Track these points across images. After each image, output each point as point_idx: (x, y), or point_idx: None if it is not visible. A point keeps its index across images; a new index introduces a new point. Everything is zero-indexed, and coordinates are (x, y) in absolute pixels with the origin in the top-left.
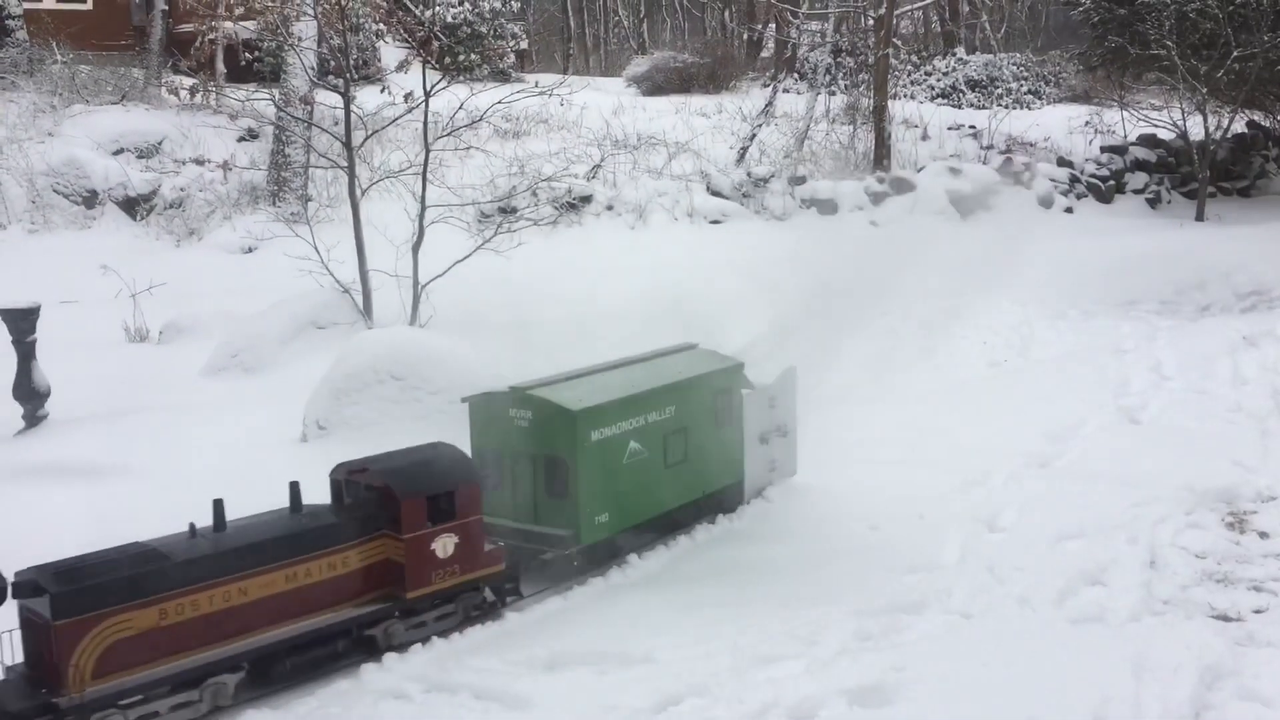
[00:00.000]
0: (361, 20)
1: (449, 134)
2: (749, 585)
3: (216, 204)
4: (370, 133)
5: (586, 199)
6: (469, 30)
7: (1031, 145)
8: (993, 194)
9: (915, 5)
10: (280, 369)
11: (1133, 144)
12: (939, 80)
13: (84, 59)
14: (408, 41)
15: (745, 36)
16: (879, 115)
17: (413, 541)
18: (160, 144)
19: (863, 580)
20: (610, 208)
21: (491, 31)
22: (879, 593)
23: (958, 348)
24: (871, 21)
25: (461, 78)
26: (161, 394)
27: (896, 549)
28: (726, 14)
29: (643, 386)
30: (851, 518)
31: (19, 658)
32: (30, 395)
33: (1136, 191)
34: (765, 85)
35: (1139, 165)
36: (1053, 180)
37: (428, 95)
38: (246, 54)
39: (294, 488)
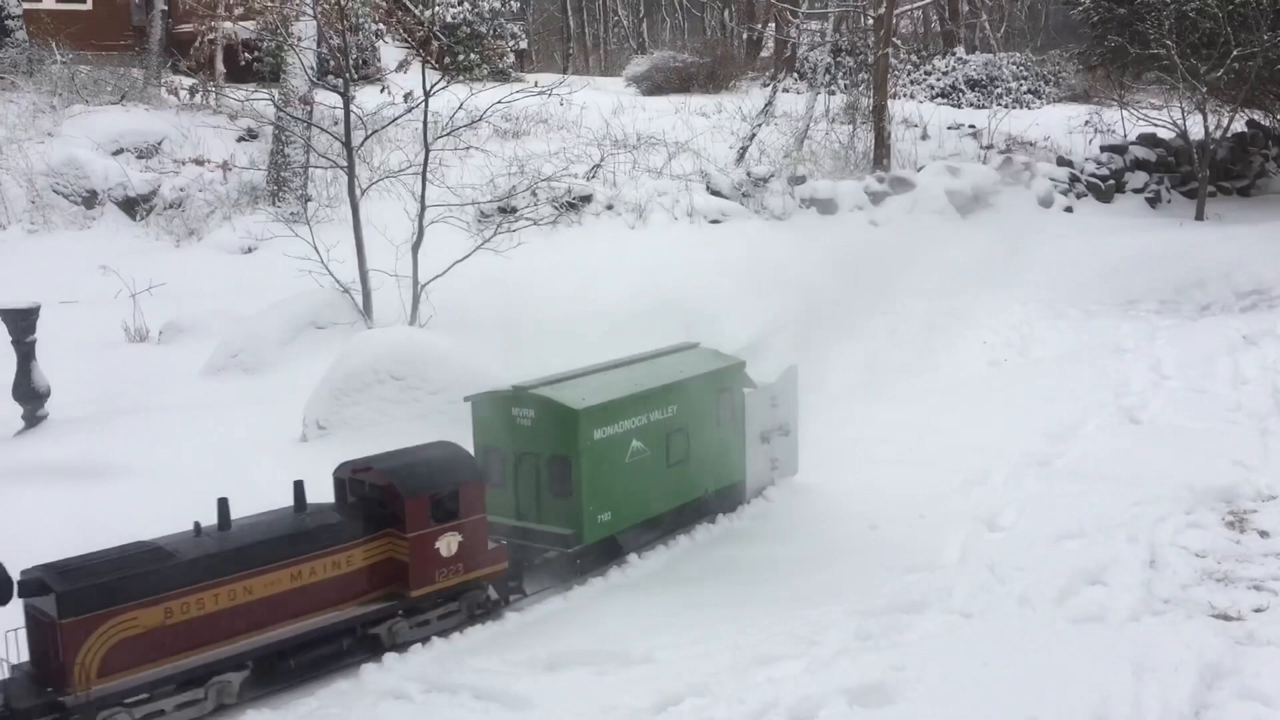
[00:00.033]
0: (361, 20)
1: (448, 134)
2: (749, 585)
3: (216, 204)
4: (370, 133)
5: (586, 199)
6: (468, 30)
7: (1031, 145)
8: (992, 193)
9: (915, 5)
10: (280, 369)
11: (1132, 143)
12: (939, 80)
13: (84, 59)
14: (407, 41)
15: (745, 36)
16: (878, 115)
17: (416, 540)
18: (160, 144)
19: (863, 580)
20: (610, 207)
21: (491, 31)
22: (879, 592)
23: (958, 347)
24: (871, 21)
25: (461, 77)
26: (161, 394)
27: (897, 548)
28: (726, 13)
29: (645, 385)
30: (851, 517)
31: (24, 656)
32: (30, 395)
33: (1136, 191)
34: (765, 85)
35: (1139, 164)
36: (1052, 180)
37: (427, 95)
38: (246, 54)
39: (298, 487)
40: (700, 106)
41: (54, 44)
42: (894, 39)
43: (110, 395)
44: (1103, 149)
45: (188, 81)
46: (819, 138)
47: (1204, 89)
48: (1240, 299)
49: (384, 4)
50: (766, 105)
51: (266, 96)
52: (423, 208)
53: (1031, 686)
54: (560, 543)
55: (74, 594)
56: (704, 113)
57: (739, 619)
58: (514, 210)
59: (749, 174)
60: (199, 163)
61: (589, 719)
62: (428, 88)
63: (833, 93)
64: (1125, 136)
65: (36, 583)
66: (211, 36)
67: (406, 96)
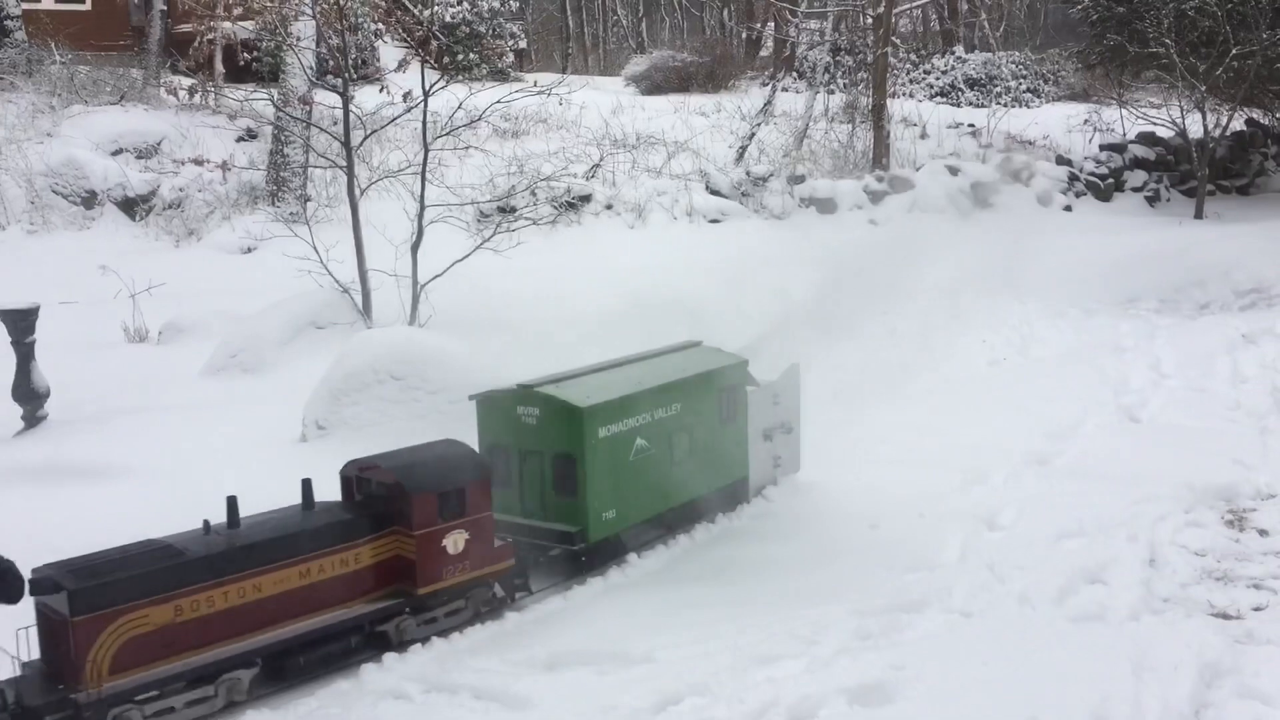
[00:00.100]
0: (360, 20)
1: (448, 133)
2: (749, 584)
3: (215, 204)
4: (369, 132)
5: (585, 198)
6: (468, 30)
7: (1030, 144)
8: (992, 192)
9: (914, 4)
10: (279, 369)
11: (1132, 142)
12: (938, 79)
13: (83, 59)
14: (406, 41)
15: (744, 35)
16: (878, 114)
17: (424, 538)
18: (159, 144)
19: (863, 579)
20: (609, 207)
21: (490, 31)
22: (879, 591)
23: (957, 346)
24: (870, 20)
25: (460, 77)
26: (161, 394)
27: (896, 548)
28: (725, 13)
29: (649, 384)
30: (851, 516)
31: (35, 654)
32: (29, 396)
33: (1135, 189)
34: (764, 84)
35: (1138, 163)
36: (1052, 178)
37: (426, 95)
38: (245, 54)
39: (306, 485)
40: (699, 106)
41: (53, 44)
42: (893, 38)
43: (110, 395)
44: (1102, 148)
45: (187, 82)
46: (818, 137)
47: (1203, 88)
48: (1239, 298)
49: (383, 4)
50: (766, 104)
51: (266, 96)
52: (422, 208)
53: (1031, 685)
54: (565, 540)
55: (86, 592)
56: (703, 112)
57: (739, 618)
58: (513, 210)
59: (748, 173)
60: (198, 163)
61: (589, 719)
62: (427, 87)
63: (832, 92)
64: (1124, 135)
65: (48, 581)
66: (211, 36)
67: (405, 96)
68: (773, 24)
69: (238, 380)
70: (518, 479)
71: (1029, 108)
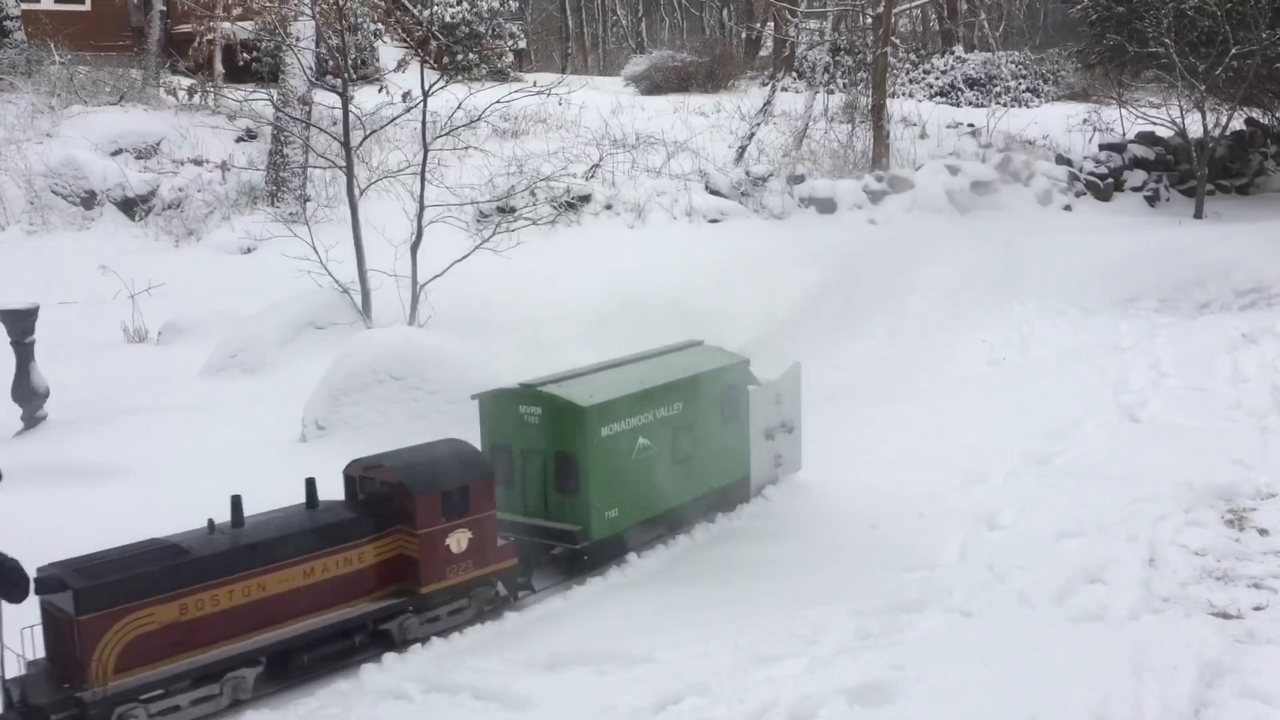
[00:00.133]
0: (360, 20)
1: (447, 133)
2: (748, 584)
3: (215, 204)
4: (369, 133)
5: (585, 198)
6: (467, 30)
7: (1030, 143)
8: (991, 192)
9: (913, 4)
10: (279, 369)
11: (1131, 142)
12: (937, 78)
13: (82, 60)
14: (406, 41)
15: (743, 35)
16: (877, 114)
17: (427, 537)
18: (158, 144)
19: (863, 578)
20: (609, 207)
21: (490, 31)
22: (879, 591)
23: (957, 346)
24: (870, 20)
25: (460, 77)
26: (160, 394)
27: (896, 547)
28: (725, 13)
29: (651, 383)
30: (851, 516)
31: (40, 652)
32: (29, 396)
33: (1135, 189)
34: (764, 84)
35: (1137, 163)
36: (1051, 178)
37: (426, 95)
38: (244, 54)
39: (310, 484)
40: (699, 106)
41: (52, 45)
42: (892, 38)
43: (109, 396)
44: (1101, 147)
45: (186, 82)
46: (818, 137)
47: (1202, 87)
48: (1239, 297)
49: (382, 4)
50: (765, 104)
51: (265, 97)
52: (421, 208)
53: (1031, 685)
54: (567, 539)
55: (91, 590)
56: (703, 112)
57: (739, 618)
58: (513, 210)
59: (748, 173)
60: (198, 163)
61: (589, 719)
62: (426, 87)
63: (831, 92)
64: (1124, 135)
65: (54, 580)
66: (210, 37)
67: (405, 96)
68: (772, 24)
69: (237, 380)
70: (520, 478)
71: (1028, 107)
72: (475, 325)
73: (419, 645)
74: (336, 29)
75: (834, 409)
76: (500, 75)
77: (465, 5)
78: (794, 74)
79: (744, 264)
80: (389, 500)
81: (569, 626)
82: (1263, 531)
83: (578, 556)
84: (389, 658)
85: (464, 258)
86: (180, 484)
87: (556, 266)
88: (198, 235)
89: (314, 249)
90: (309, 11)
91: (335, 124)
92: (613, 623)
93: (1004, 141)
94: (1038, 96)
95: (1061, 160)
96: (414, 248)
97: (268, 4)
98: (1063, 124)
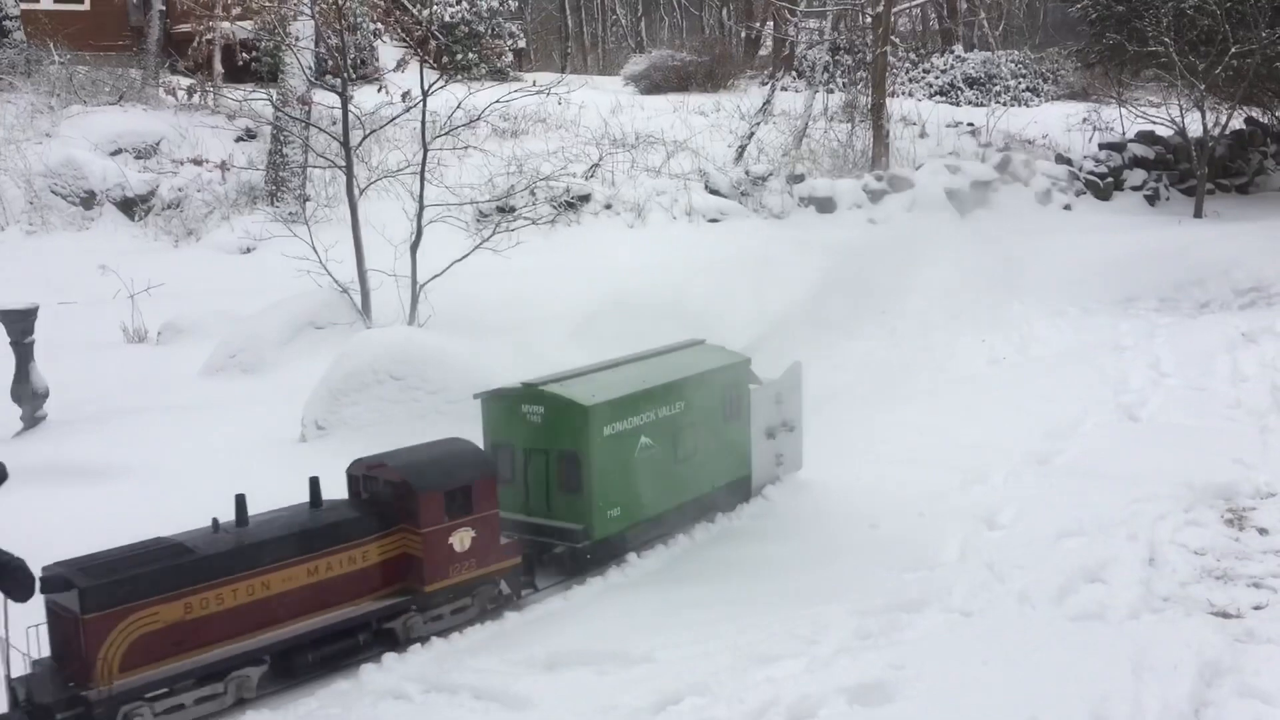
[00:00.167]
0: (359, 20)
1: (447, 133)
2: (748, 584)
3: (214, 204)
4: (368, 132)
5: (585, 198)
6: (467, 29)
7: (1030, 142)
8: (991, 191)
9: (913, 3)
10: (279, 369)
11: (1131, 141)
12: (937, 78)
13: (81, 59)
14: (405, 41)
15: (743, 35)
16: (877, 113)
17: (430, 535)
18: (158, 144)
19: (862, 578)
20: (609, 206)
21: (489, 30)
22: (878, 591)
23: (957, 345)
24: (869, 19)
25: (459, 77)
26: (160, 394)
27: (896, 547)
28: (724, 12)
29: (653, 382)
30: (851, 516)
31: (45, 651)
32: (29, 396)
33: (1135, 188)
34: (763, 83)
35: (1137, 162)
36: (1051, 177)
37: (425, 94)
38: (244, 54)
39: (314, 483)
40: (699, 105)
41: (52, 44)
42: (892, 37)
43: (109, 396)
44: (1101, 147)
45: (185, 82)
46: (817, 136)
47: (1202, 86)
48: (1239, 296)
49: (382, 3)
50: (765, 104)
51: (264, 96)
52: (421, 207)
53: (1031, 684)
54: (570, 538)
55: (97, 589)
56: (702, 111)
57: (739, 618)
58: (512, 210)
59: (747, 173)
60: (197, 163)
61: (589, 719)
62: (426, 87)
63: (831, 91)
64: (1124, 134)
65: (59, 579)
66: (209, 36)
67: (404, 96)
68: (772, 23)
69: (237, 380)
70: (523, 477)
71: (1028, 107)
72: (475, 325)
73: (418, 645)
74: (336, 28)
75: (834, 409)
76: (500, 75)
77: (465, 5)
78: (793, 73)
79: (744, 263)
80: (393, 499)
81: (569, 626)
82: (1262, 531)
83: (580, 555)
84: (389, 658)
85: (464, 257)
86: (180, 484)
87: (556, 266)
88: (197, 235)
89: (314, 249)
90: (308, 11)
91: (335, 124)
92: (613, 623)
93: (1004, 141)
94: (1037, 96)
95: (1061, 159)
96: (413, 247)
97: (267, 4)
98: (1062, 123)
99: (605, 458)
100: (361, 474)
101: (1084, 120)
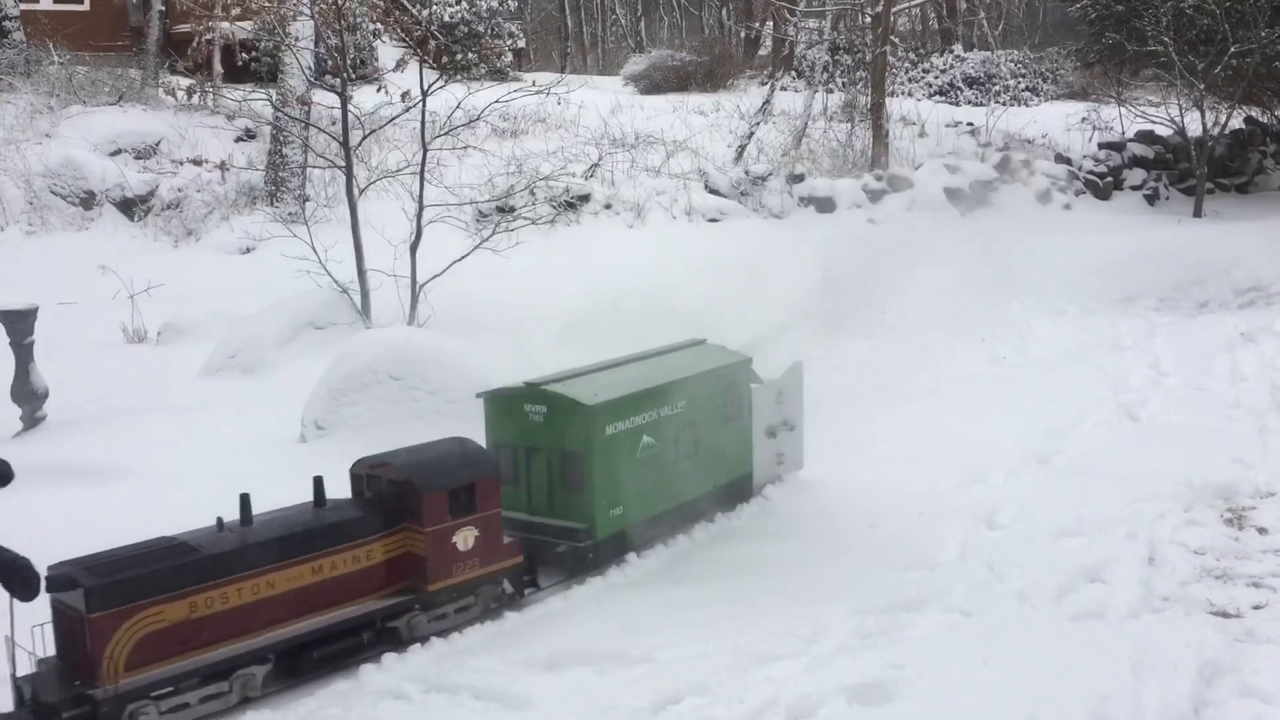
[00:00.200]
0: (359, 20)
1: (446, 133)
2: (748, 583)
3: (214, 204)
4: (368, 132)
5: (584, 198)
6: (466, 29)
7: (1029, 142)
8: (991, 191)
9: (912, 3)
10: (278, 369)
11: (1130, 140)
12: (936, 77)
13: (81, 60)
14: (405, 41)
15: (743, 34)
16: (876, 113)
17: (434, 534)
18: (158, 145)
19: (862, 578)
20: (608, 206)
21: (489, 30)
22: (878, 590)
23: (956, 345)
24: (869, 19)
25: (459, 77)
26: (160, 395)
27: (896, 546)
28: (724, 12)
29: (655, 381)
30: (850, 515)
31: (50, 650)
32: (28, 397)
33: (1134, 188)
34: (763, 83)
35: (1137, 162)
36: (1050, 177)
37: (425, 94)
38: (243, 54)
39: (318, 482)
40: (698, 105)
41: (51, 45)
42: (892, 37)
43: (109, 396)
44: (1101, 146)
45: (185, 82)
46: (817, 136)
47: (1202, 86)
48: (1239, 296)
49: (381, 3)
50: (764, 104)
51: (264, 97)
52: (421, 207)
53: (1031, 684)
54: (572, 537)
55: (102, 589)
56: (702, 111)
57: (738, 618)
58: (512, 210)
59: (747, 172)
60: (197, 163)
61: (589, 719)
62: (425, 87)
63: (831, 91)
64: (1123, 134)
65: (64, 578)
66: (209, 37)
67: (404, 96)
68: (771, 23)
69: (236, 380)
70: (525, 476)
71: (1028, 106)
72: (475, 325)
73: (418, 645)
74: (335, 29)
75: (834, 408)
76: (499, 75)
77: (464, 5)
78: (793, 73)
79: (743, 263)
80: (396, 498)
81: (569, 626)
82: (1262, 530)
83: (583, 554)
84: (389, 658)
85: (463, 258)
86: (180, 484)
87: (556, 266)
88: (197, 235)
89: (313, 249)
90: (308, 11)
91: (334, 124)
92: (613, 623)
93: (1003, 140)
94: (1037, 95)
95: (1061, 159)
96: (413, 248)
97: (266, 4)
98: (1062, 123)
99: (607, 457)
100: (365, 473)
101: (1083, 120)
